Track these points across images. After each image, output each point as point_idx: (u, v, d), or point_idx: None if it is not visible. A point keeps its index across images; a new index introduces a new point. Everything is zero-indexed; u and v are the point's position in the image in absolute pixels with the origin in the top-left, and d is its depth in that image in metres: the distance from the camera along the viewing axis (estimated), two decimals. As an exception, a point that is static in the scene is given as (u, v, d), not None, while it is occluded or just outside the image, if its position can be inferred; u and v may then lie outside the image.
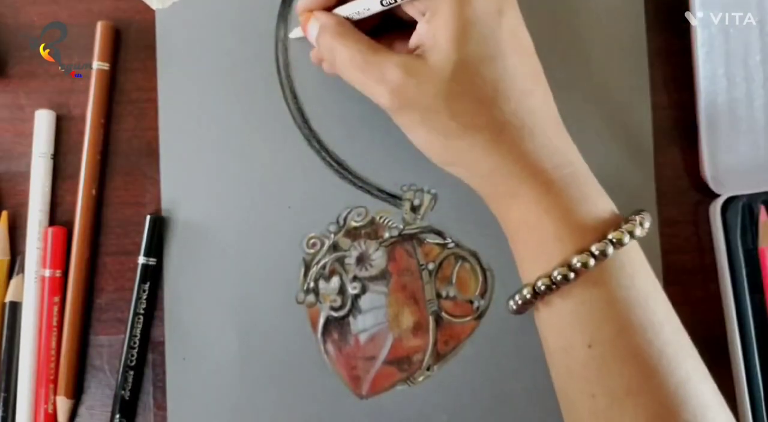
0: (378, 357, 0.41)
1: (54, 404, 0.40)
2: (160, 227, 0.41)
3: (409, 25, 0.35)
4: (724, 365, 0.40)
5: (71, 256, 0.40)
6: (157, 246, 0.41)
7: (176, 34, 0.41)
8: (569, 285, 0.31)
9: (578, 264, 0.31)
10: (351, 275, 0.41)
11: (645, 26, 0.41)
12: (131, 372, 0.40)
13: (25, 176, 0.41)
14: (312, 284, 0.41)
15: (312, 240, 0.41)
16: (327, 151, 0.41)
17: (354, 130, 0.41)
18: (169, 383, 0.40)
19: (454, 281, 0.41)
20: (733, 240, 0.40)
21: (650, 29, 0.41)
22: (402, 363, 0.41)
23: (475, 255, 0.41)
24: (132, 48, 0.42)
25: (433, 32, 0.33)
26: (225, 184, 0.41)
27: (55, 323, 0.40)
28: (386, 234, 0.41)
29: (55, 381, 0.40)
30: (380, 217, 0.41)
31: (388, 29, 0.37)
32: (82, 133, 0.41)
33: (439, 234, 0.41)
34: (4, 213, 0.41)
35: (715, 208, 0.40)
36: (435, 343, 0.41)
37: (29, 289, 0.40)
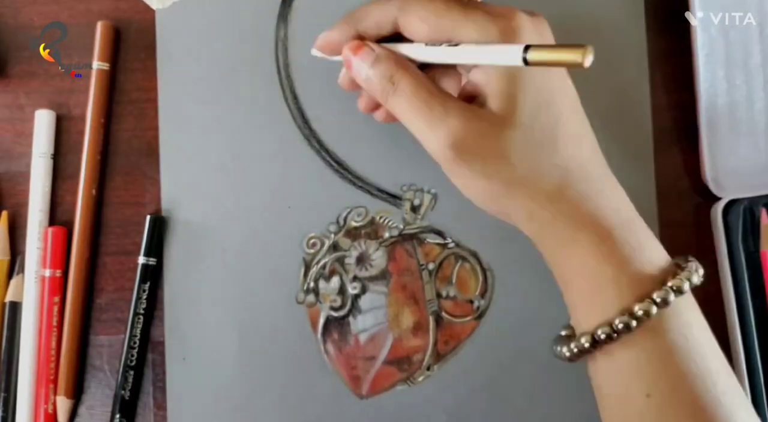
0: (378, 357, 0.41)
1: (54, 404, 0.40)
2: (160, 227, 0.41)
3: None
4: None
5: (71, 256, 0.40)
6: (157, 246, 0.41)
7: (176, 34, 0.41)
8: (630, 334, 0.30)
9: (640, 313, 0.30)
10: (351, 275, 0.41)
11: (645, 27, 0.41)
12: (131, 372, 0.40)
13: (25, 176, 0.41)
14: (312, 284, 0.41)
15: (312, 240, 0.41)
16: (327, 151, 0.41)
17: (354, 130, 0.41)
18: (169, 383, 0.40)
19: (454, 281, 0.41)
20: (735, 243, 0.40)
21: (650, 30, 0.41)
22: (402, 363, 0.41)
23: (475, 255, 0.41)
24: (132, 48, 0.42)
25: (488, 79, 0.32)
26: (225, 184, 0.41)
27: (55, 323, 0.40)
28: (386, 234, 0.41)
29: (55, 381, 0.40)
30: (380, 217, 0.41)
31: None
32: (82, 133, 0.41)
33: (439, 234, 0.41)
34: (4, 213, 0.41)
35: (717, 211, 0.40)
36: (435, 343, 0.41)
37: (29, 289, 0.40)
